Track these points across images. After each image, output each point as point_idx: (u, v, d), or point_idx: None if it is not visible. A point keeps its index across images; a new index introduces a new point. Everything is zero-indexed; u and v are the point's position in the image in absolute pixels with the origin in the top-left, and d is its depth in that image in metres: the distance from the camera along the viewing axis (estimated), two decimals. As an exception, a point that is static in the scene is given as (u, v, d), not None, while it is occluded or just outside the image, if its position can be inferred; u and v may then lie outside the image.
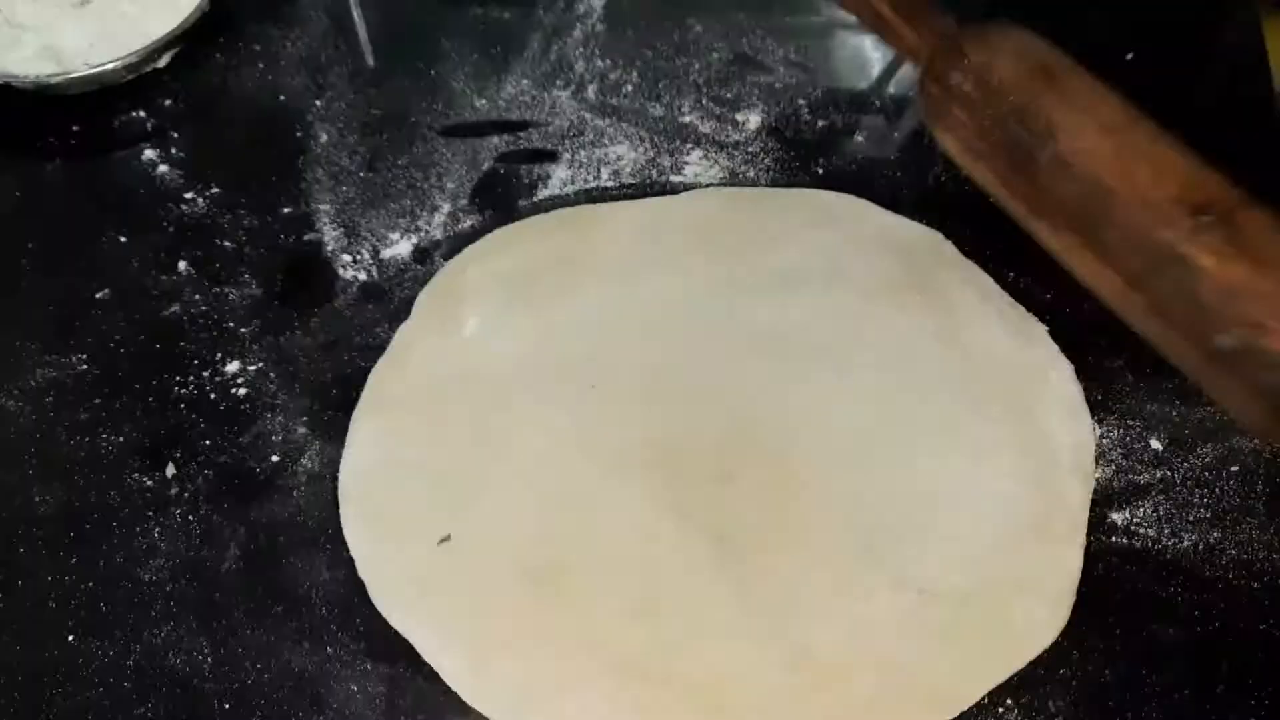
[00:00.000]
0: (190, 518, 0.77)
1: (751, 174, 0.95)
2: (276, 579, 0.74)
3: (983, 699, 0.68)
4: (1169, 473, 0.77)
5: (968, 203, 0.91)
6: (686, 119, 0.98)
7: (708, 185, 0.94)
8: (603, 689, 0.69)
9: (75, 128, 0.97)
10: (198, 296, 0.88)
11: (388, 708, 0.69)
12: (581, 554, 0.74)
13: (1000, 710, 0.68)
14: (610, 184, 0.95)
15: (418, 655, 0.71)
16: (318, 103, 0.98)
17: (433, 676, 0.70)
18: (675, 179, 0.95)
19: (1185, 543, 0.74)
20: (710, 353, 0.84)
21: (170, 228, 0.92)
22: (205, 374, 0.84)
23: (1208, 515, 0.75)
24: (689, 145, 0.97)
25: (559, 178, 0.95)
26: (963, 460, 0.77)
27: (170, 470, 0.79)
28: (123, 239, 0.92)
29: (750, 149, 0.96)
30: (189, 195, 0.94)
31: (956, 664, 0.69)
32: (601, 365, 0.83)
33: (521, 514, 0.76)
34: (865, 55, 1.02)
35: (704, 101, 0.98)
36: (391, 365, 0.84)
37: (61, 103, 0.97)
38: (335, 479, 0.78)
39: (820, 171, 0.95)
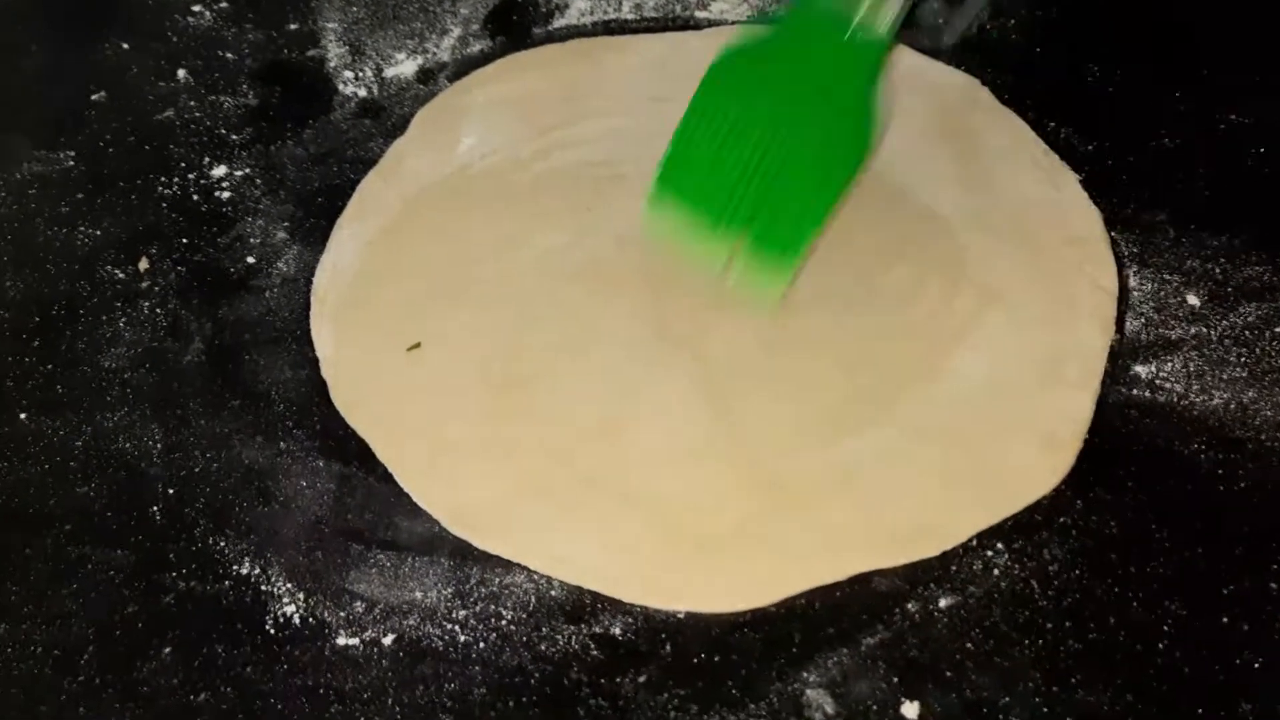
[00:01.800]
0: (158, 310, 0.74)
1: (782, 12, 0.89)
2: (238, 374, 0.71)
3: (970, 540, 0.63)
4: (1205, 329, 0.71)
5: (1012, 51, 0.86)
6: (719, -44, 0.93)
7: (733, 23, 0.89)
8: (561, 502, 0.64)
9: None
10: (193, 103, 0.85)
11: (335, 504, 0.65)
12: (555, 368, 0.69)
13: (989, 554, 0.62)
14: (631, 16, 0.90)
15: (372, 457, 0.67)
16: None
17: (386, 478, 0.66)
18: (700, 15, 0.90)
19: (1215, 400, 0.67)
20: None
21: (174, 38, 0.90)
22: (191, 176, 0.81)
23: (1244, 375, 0.69)
24: (719, -18, 0.91)
25: (577, 8, 0.90)
26: (972, 301, 0.71)
27: (144, 265, 0.76)
28: (125, 45, 0.89)
29: (784, -11, 0.91)
30: (196, 8, 0.92)
31: (944, 502, 0.64)
32: (600, 191, 0.78)
33: (498, 324, 0.72)
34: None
35: (738, -63, 0.93)
36: (381, 176, 0.80)
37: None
38: (309, 283, 0.75)
39: (856, 15, 0.89)
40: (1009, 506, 0.64)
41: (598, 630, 0.60)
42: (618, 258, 0.74)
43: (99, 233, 0.78)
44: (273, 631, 0.61)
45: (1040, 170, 0.77)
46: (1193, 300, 0.72)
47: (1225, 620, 0.60)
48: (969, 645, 0.59)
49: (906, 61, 0.85)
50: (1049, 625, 0.60)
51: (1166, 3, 0.88)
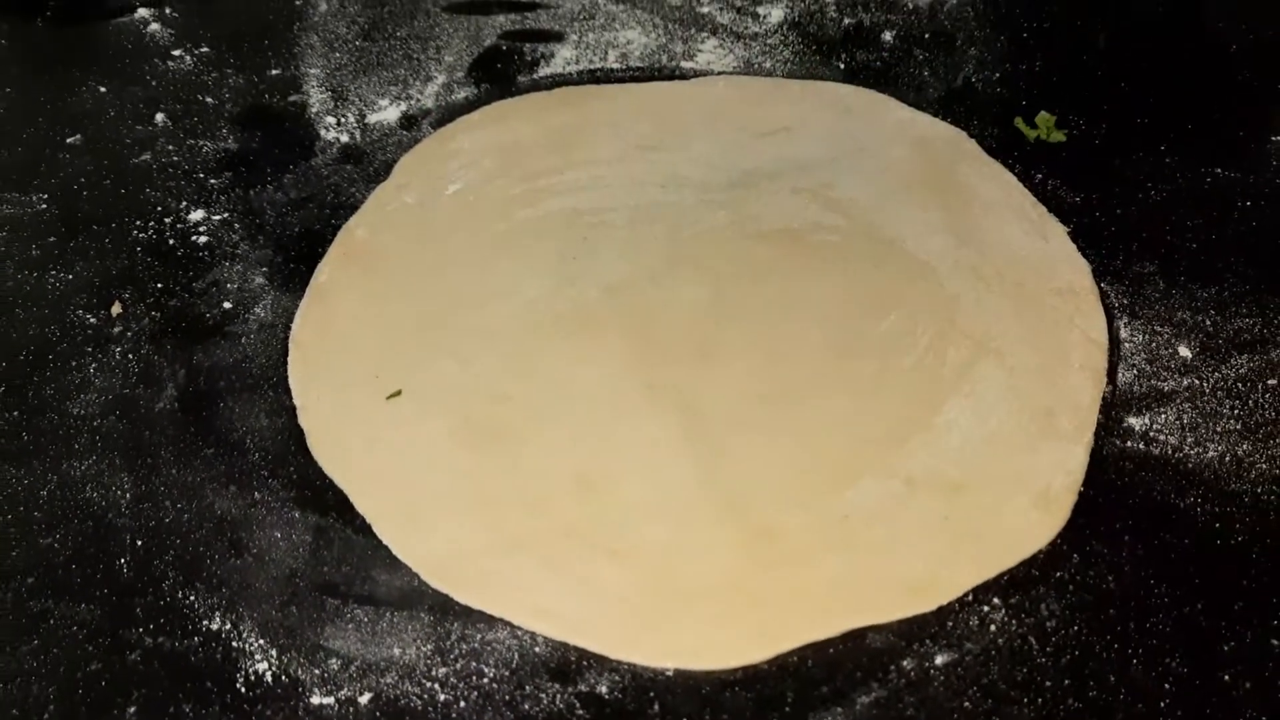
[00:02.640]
0: (130, 356, 0.72)
1: (768, 65, 0.89)
2: (211, 422, 0.69)
3: (966, 595, 0.61)
4: (1197, 381, 0.70)
5: (998, 104, 0.86)
6: (704, 9, 0.93)
7: (719, 73, 0.89)
8: (544, 555, 0.62)
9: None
10: (171, 147, 0.84)
11: (311, 556, 0.63)
12: (539, 418, 0.68)
13: (985, 609, 0.61)
14: (616, 66, 0.89)
15: (350, 508, 0.65)
16: (320, -30, 0.95)
17: (364, 530, 0.64)
18: (686, 65, 0.89)
19: (1210, 453, 0.66)
20: (704, 235, 0.78)
21: (154, 82, 0.89)
22: (167, 220, 0.79)
23: (1238, 427, 0.68)
24: (704, 34, 0.91)
25: (563, 57, 0.90)
26: (964, 351, 0.70)
27: (116, 309, 0.74)
28: (103, 89, 0.88)
29: (769, 41, 0.91)
30: (177, 53, 0.91)
31: (939, 557, 0.62)
32: (586, 238, 0.77)
33: (480, 373, 0.70)
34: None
35: (725, -9, 0.93)
36: (364, 222, 0.79)
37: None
38: (287, 329, 0.73)
39: (842, 67, 0.89)
40: (1005, 560, 0.62)
41: (584, 689, 0.58)
42: (603, 307, 0.73)
43: (71, 277, 0.76)
44: (243, 690, 0.58)
45: (1029, 221, 0.77)
46: (1184, 352, 0.71)
47: (1227, 678, 0.58)
48: (967, 704, 0.57)
49: (894, 114, 0.85)
50: (1048, 683, 0.58)
51: (1153, 57, 0.88)
